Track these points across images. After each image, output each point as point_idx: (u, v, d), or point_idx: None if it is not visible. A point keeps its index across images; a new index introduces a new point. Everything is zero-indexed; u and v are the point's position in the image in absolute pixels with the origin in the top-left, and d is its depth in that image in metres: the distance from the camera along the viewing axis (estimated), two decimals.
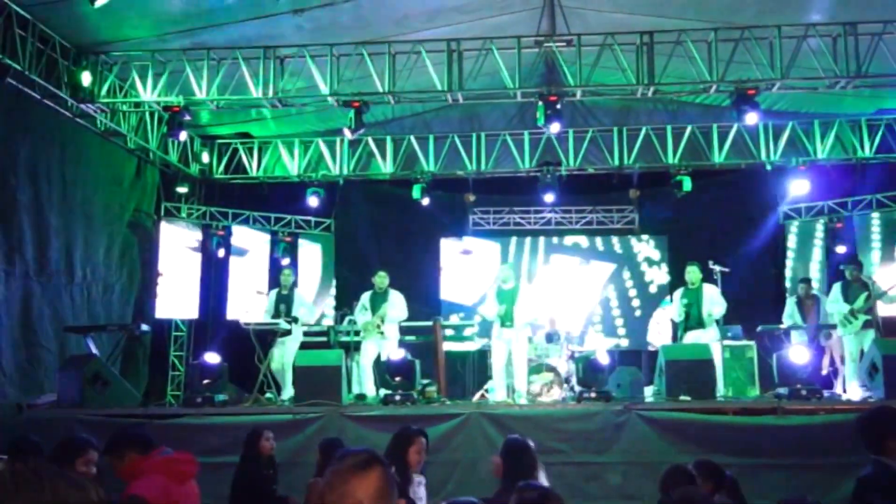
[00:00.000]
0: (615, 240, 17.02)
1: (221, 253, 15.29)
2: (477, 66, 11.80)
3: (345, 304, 14.11)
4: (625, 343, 16.36)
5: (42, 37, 10.97)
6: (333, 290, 16.55)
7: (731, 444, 8.82)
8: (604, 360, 10.73)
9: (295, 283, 13.11)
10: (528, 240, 17.10)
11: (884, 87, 12.46)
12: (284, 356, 11.97)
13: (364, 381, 11.73)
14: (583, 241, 17.09)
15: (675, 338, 12.81)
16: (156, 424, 9.63)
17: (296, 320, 12.19)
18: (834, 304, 11.87)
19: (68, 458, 4.82)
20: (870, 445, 4.64)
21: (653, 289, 16.77)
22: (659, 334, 16.19)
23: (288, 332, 11.98)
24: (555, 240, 17.16)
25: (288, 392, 11.62)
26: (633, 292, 16.77)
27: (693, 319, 11.56)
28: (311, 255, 16.64)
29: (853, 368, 11.25)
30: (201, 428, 9.74)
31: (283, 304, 12.31)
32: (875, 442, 4.64)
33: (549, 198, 14.99)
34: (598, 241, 17.07)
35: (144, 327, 12.60)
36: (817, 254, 15.53)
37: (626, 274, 16.85)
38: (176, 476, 4.65)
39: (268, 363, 11.62)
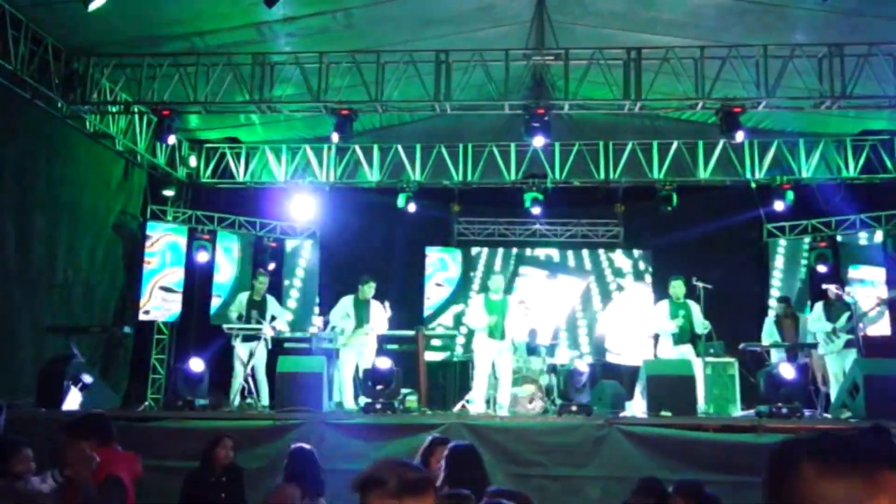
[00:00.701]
0: (585, 254, 17.12)
1: (206, 257, 15.24)
2: (465, 77, 11.85)
3: (328, 310, 14.11)
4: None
5: (35, 38, 11.01)
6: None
7: (710, 461, 8.84)
8: (583, 368, 10.75)
9: (268, 290, 13.06)
10: (500, 251, 17.17)
11: (868, 109, 12.60)
12: (256, 360, 11.93)
13: (343, 392, 11.72)
14: (554, 253, 17.19)
15: (655, 352, 12.87)
16: (136, 427, 9.61)
17: (272, 322, 12.20)
18: (816, 323, 11.94)
19: (2, 458, 4.84)
20: None
21: (620, 303, 16.89)
22: (615, 342, 16.45)
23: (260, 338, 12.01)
24: (528, 251, 17.25)
25: (264, 398, 11.66)
26: (599, 306, 16.89)
27: (686, 334, 11.63)
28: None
29: (837, 388, 11.30)
30: (181, 432, 9.68)
31: (256, 310, 12.27)
32: None
33: (535, 210, 15.04)
34: (570, 254, 17.17)
35: (127, 329, 12.57)
36: (800, 272, 15.63)
37: (595, 288, 16.96)
38: (132, 474, 4.67)
39: (247, 369, 11.63)
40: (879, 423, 5.62)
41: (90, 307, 13.16)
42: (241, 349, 11.91)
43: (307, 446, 7.55)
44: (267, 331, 11.86)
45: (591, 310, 16.78)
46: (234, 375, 11.97)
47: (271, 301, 12.67)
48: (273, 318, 12.34)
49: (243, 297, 12.60)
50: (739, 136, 11.89)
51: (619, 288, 16.82)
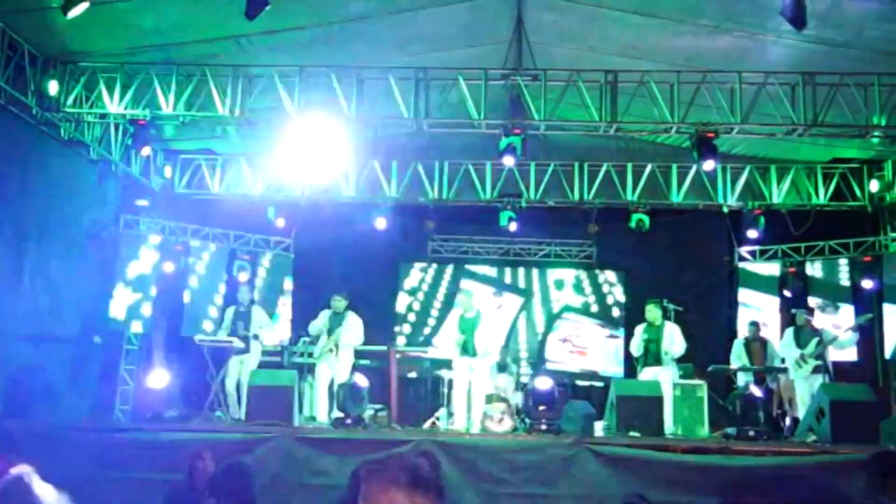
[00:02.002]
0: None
1: (171, 267, 15.18)
2: (443, 95, 11.92)
3: (301, 324, 14.08)
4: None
5: (11, 44, 10.93)
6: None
7: (678, 482, 8.90)
8: (543, 386, 10.75)
9: (253, 301, 13.04)
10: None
11: (839, 137, 12.76)
12: (242, 374, 11.91)
13: (316, 406, 11.68)
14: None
15: (629, 373, 12.96)
16: (104, 439, 9.56)
17: (256, 337, 12.16)
18: (786, 349, 12.08)
19: None
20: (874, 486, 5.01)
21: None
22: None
23: (246, 350, 11.95)
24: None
25: (242, 411, 11.59)
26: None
27: (651, 356, 11.74)
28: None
29: (804, 412, 11.41)
30: (149, 444, 9.64)
31: (241, 322, 12.26)
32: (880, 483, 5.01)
33: (511, 227, 15.06)
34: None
35: (97, 339, 12.48)
36: (770, 297, 15.76)
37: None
38: None
39: (220, 381, 11.59)
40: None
41: (58, 316, 13.01)
42: (231, 361, 11.89)
43: (244, 462, 7.41)
44: (236, 343, 11.85)
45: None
46: (227, 389, 11.97)
47: (257, 312, 12.64)
48: (261, 328, 12.34)
49: (229, 310, 12.57)
50: (708, 165, 12.02)
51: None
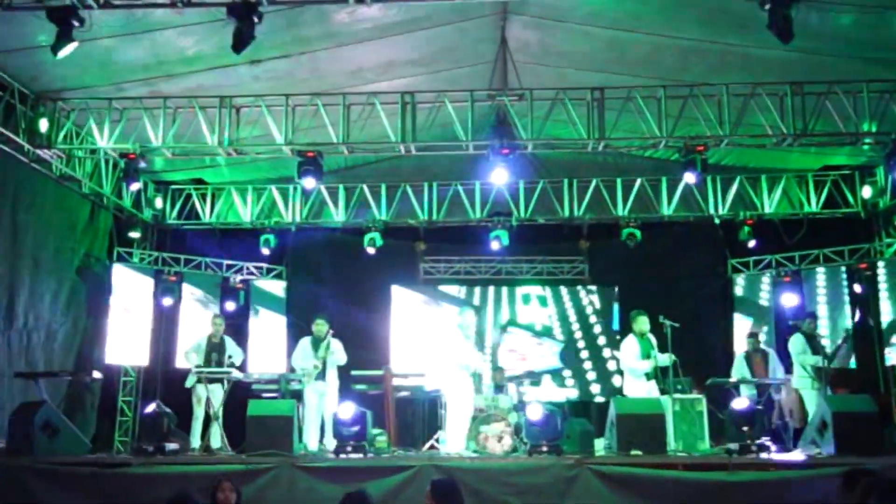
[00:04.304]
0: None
1: (172, 299, 15.18)
2: (430, 117, 11.95)
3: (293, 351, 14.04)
4: None
5: (2, 83, 11.04)
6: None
7: (682, 500, 8.86)
8: (535, 415, 10.60)
9: (226, 331, 12.98)
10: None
11: (829, 146, 12.79)
12: (214, 403, 11.82)
13: (307, 434, 11.62)
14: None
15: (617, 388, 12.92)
16: (106, 474, 9.50)
17: (238, 367, 12.11)
18: (802, 356, 11.91)
19: None
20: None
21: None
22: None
23: (220, 381, 11.92)
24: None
25: (216, 440, 11.54)
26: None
27: (654, 371, 11.65)
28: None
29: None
30: (151, 478, 9.57)
31: (215, 353, 12.21)
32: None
33: (496, 245, 14.94)
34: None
35: (96, 374, 12.42)
36: (765, 308, 15.74)
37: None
38: None
39: (216, 412, 11.54)
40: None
41: (50, 352, 12.96)
42: (200, 390, 11.86)
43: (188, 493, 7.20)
44: (235, 373, 11.81)
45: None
46: (194, 418, 11.92)
47: (229, 342, 12.60)
48: (230, 358, 12.27)
49: (202, 340, 12.49)
50: (689, 177, 12.00)
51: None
